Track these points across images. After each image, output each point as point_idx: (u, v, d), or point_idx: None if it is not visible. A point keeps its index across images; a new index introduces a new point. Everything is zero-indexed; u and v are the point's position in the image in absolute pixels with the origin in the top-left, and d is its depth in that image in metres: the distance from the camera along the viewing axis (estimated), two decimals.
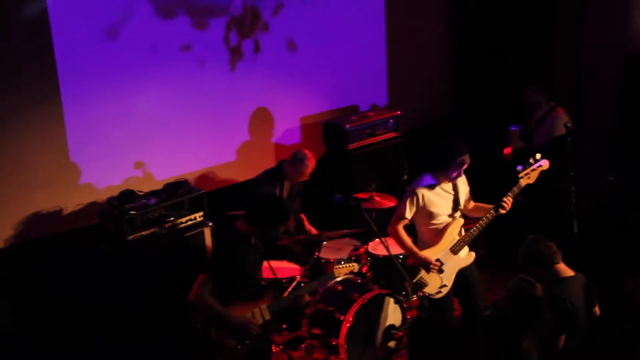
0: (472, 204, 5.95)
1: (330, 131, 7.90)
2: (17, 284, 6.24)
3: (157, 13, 6.89)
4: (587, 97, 8.37)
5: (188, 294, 5.14)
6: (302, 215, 7.13)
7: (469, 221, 5.96)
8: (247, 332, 5.15)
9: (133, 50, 6.79)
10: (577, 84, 8.44)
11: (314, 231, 7.00)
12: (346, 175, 7.70)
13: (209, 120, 7.36)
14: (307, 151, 6.86)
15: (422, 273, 5.75)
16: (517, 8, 8.59)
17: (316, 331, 6.14)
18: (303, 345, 6.24)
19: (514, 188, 5.83)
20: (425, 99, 8.88)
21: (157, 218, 6.35)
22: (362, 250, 6.74)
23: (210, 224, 6.60)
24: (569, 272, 5.13)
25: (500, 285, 6.55)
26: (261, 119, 7.72)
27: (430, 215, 5.75)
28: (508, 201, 5.75)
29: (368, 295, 6.03)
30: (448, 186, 5.76)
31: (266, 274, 5.91)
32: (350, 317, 5.91)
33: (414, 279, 5.73)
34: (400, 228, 5.74)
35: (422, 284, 5.73)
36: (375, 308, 6.07)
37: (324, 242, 6.78)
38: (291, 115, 7.96)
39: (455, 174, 5.67)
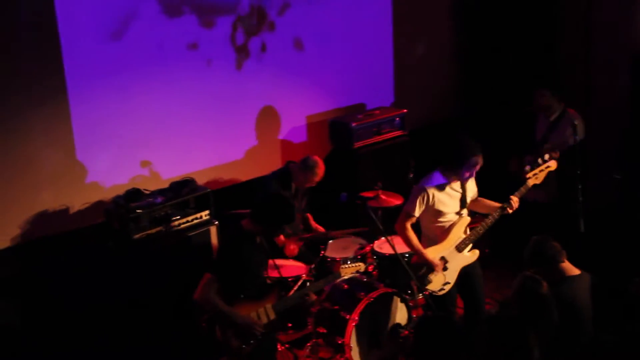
0: (478, 199, 5.94)
1: (337, 130, 7.89)
2: (24, 282, 6.26)
3: (163, 12, 6.90)
4: (595, 96, 8.33)
5: (193, 293, 5.14)
6: (308, 215, 7.13)
7: (474, 219, 5.95)
8: (252, 331, 5.15)
9: (140, 49, 6.80)
10: (585, 83, 8.40)
11: (320, 229, 7.00)
12: (352, 174, 7.69)
13: (215, 119, 7.36)
14: (317, 158, 6.83)
15: (426, 270, 5.75)
16: (523, 7, 8.56)
17: (322, 330, 6.14)
18: (309, 344, 6.23)
19: (521, 188, 5.83)
20: (432, 98, 8.87)
21: (163, 217, 6.37)
22: (368, 248, 6.73)
23: (216, 222, 6.61)
24: (575, 271, 5.12)
25: (505, 285, 6.55)
26: (267, 117, 7.72)
27: (438, 214, 5.74)
28: (515, 201, 5.74)
29: (374, 294, 6.02)
30: (457, 185, 5.75)
31: (272, 272, 5.92)
32: (356, 316, 5.90)
33: (417, 275, 5.73)
34: (408, 226, 5.74)
35: (425, 281, 5.73)
36: (381, 307, 6.06)
37: (330, 241, 6.78)
38: (297, 113, 7.96)
39: (467, 174, 5.65)
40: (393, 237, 5.95)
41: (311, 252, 6.77)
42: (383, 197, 6.83)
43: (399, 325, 6.09)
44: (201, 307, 5.17)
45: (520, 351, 4.50)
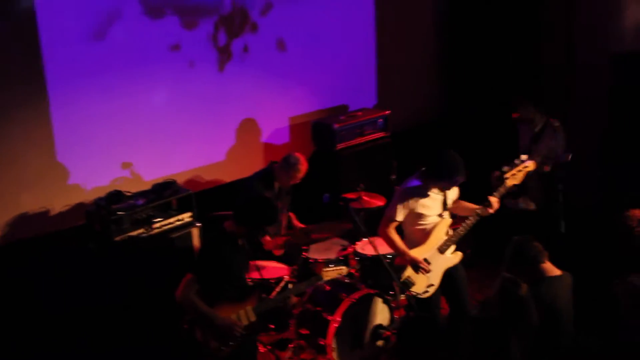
0: (459, 203, 5.96)
1: (319, 131, 7.89)
2: (4, 284, 6.22)
3: (145, 13, 6.88)
4: (575, 96, 8.37)
5: (175, 294, 5.13)
6: (291, 214, 7.13)
7: (456, 221, 5.97)
8: (231, 333, 5.15)
9: (121, 51, 6.78)
10: (565, 83, 8.44)
11: (301, 226, 6.97)
12: (335, 175, 7.70)
13: (198, 120, 7.35)
14: (298, 155, 6.82)
15: (410, 272, 5.76)
16: (507, 11, 8.59)
17: (304, 331, 6.14)
18: (291, 346, 6.23)
19: (500, 188, 5.86)
20: (415, 99, 8.89)
21: (144, 219, 6.36)
22: (350, 250, 6.73)
23: (199, 224, 6.59)
24: (556, 272, 5.14)
25: (488, 285, 6.57)
26: (250, 119, 7.71)
27: (420, 216, 5.75)
28: (494, 201, 5.77)
29: (356, 295, 6.03)
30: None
31: (255, 274, 5.91)
32: (338, 317, 5.91)
33: (401, 278, 5.74)
34: (391, 230, 5.75)
35: (409, 283, 5.74)
36: (363, 308, 6.07)
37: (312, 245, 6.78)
38: (280, 115, 7.96)
39: (446, 187, 5.70)
40: (375, 238, 5.95)
41: (293, 253, 6.76)
42: (365, 198, 6.83)
43: (381, 326, 6.10)
44: (181, 306, 5.16)
45: (501, 351, 4.53)
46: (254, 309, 5.29)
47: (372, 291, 6.14)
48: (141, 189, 6.63)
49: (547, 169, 6.61)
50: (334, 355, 5.93)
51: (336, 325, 5.89)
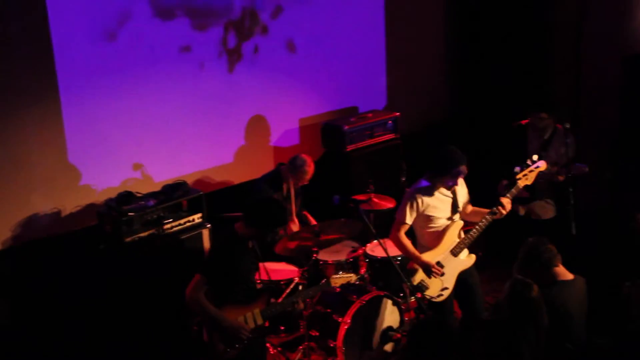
0: (470, 208, 5.96)
1: (329, 133, 7.89)
2: (16, 285, 6.25)
3: (156, 14, 6.89)
4: (586, 97, 8.35)
5: (185, 295, 5.14)
6: (305, 212, 7.12)
7: (467, 223, 5.95)
8: (238, 336, 5.14)
9: (132, 52, 6.80)
10: (576, 84, 8.43)
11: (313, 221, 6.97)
12: (345, 177, 7.69)
13: (208, 121, 7.36)
14: (305, 156, 6.84)
15: (424, 276, 5.75)
16: (516, 9, 8.58)
17: (314, 333, 6.14)
18: (301, 347, 6.23)
19: (512, 189, 5.85)
20: (424, 101, 8.88)
21: (155, 220, 6.36)
22: (360, 251, 6.73)
23: (209, 225, 6.60)
24: (568, 276, 5.12)
25: (499, 287, 6.55)
26: (260, 120, 7.72)
27: (430, 219, 5.75)
28: (506, 202, 5.75)
29: (366, 297, 6.03)
30: (446, 190, 5.77)
31: (265, 274, 5.92)
32: (348, 319, 5.91)
33: (412, 280, 5.73)
34: (402, 234, 5.76)
35: (423, 287, 5.73)
36: (373, 310, 6.07)
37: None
38: (290, 116, 7.96)
39: (451, 183, 5.69)
40: (385, 240, 5.95)
41: (304, 255, 6.76)
42: (375, 200, 6.83)
43: (391, 328, 6.10)
44: (189, 307, 5.16)
45: (512, 354, 4.52)
46: (261, 312, 5.29)
47: (382, 293, 6.14)
48: (152, 190, 6.64)
49: (561, 178, 6.58)
50: (344, 357, 5.92)
51: (346, 326, 5.89)
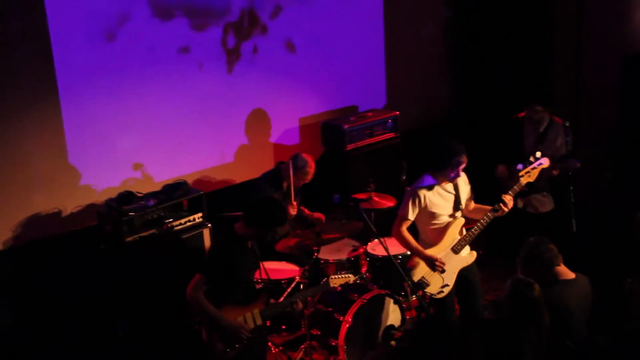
0: (472, 205, 5.96)
1: (329, 132, 7.89)
2: (16, 285, 6.25)
3: (155, 15, 6.89)
4: (585, 96, 8.36)
5: (186, 295, 5.14)
6: (302, 207, 7.12)
7: (469, 220, 5.96)
8: (238, 336, 5.15)
9: (131, 52, 6.79)
10: (575, 82, 8.43)
11: (317, 215, 6.96)
12: (345, 176, 7.69)
13: (208, 121, 7.36)
14: (306, 156, 6.83)
15: (425, 273, 5.75)
16: (515, 8, 8.58)
17: (315, 332, 6.14)
18: (302, 346, 6.23)
19: (515, 186, 5.85)
20: (424, 100, 8.88)
21: (155, 219, 6.36)
22: (361, 250, 6.73)
23: (209, 225, 6.60)
24: (570, 275, 5.12)
25: (500, 286, 6.55)
26: (260, 120, 7.72)
27: (432, 216, 5.75)
28: (508, 199, 5.75)
29: (367, 296, 6.04)
30: (449, 186, 5.77)
31: (264, 274, 5.92)
32: (349, 318, 5.92)
33: (413, 278, 5.73)
34: (404, 230, 5.76)
35: (424, 284, 5.73)
36: (375, 308, 6.07)
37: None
38: (290, 116, 7.96)
39: (453, 174, 5.69)
40: (386, 238, 5.95)
41: (304, 254, 6.77)
42: (376, 199, 6.84)
43: (392, 326, 6.11)
44: (190, 306, 5.16)
45: (514, 353, 4.52)
46: (260, 312, 5.29)
47: (383, 292, 6.14)
48: (152, 190, 6.64)
49: (555, 172, 6.59)
50: (346, 355, 5.93)
51: (348, 325, 5.89)
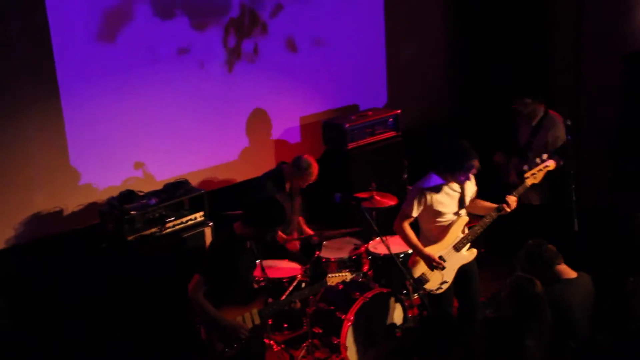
0: (476, 201, 5.95)
1: (330, 130, 7.89)
2: (18, 284, 6.24)
3: (156, 14, 6.89)
4: (586, 95, 8.36)
5: (187, 294, 5.14)
6: (300, 218, 7.12)
7: (472, 219, 5.96)
8: (237, 335, 5.15)
9: (132, 52, 6.80)
10: (576, 81, 8.44)
11: (309, 232, 6.97)
12: (346, 175, 7.70)
13: (209, 120, 7.36)
14: (308, 157, 6.82)
15: (425, 269, 5.75)
16: (516, 8, 8.58)
17: (317, 330, 6.15)
18: (304, 345, 6.23)
19: (519, 187, 5.85)
20: (425, 98, 8.88)
21: (157, 218, 6.36)
22: (362, 249, 6.74)
23: (211, 223, 6.60)
24: (571, 274, 5.12)
25: (500, 285, 6.55)
26: (261, 118, 7.72)
27: (437, 214, 5.76)
28: (512, 200, 5.75)
29: (369, 294, 6.04)
30: (455, 185, 5.77)
31: (269, 273, 5.92)
32: (351, 316, 5.92)
33: (415, 275, 5.74)
34: (406, 225, 5.76)
35: (423, 280, 5.74)
36: (377, 307, 6.07)
37: (324, 242, 6.78)
38: (291, 115, 7.96)
39: (463, 178, 5.69)
40: (388, 237, 5.95)
41: (306, 253, 6.77)
42: (377, 198, 6.84)
43: (394, 325, 6.11)
44: (190, 305, 5.17)
45: (517, 352, 4.52)
46: (259, 312, 5.29)
47: (385, 290, 6.14)
48: (153, 189, 6.63)
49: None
50: (348, 354, 5.93)
51: (350, 324, 5.89)
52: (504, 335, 4.64)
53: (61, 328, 6.28)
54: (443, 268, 5.75)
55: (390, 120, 8.05)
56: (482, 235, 5.95)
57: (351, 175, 7.68)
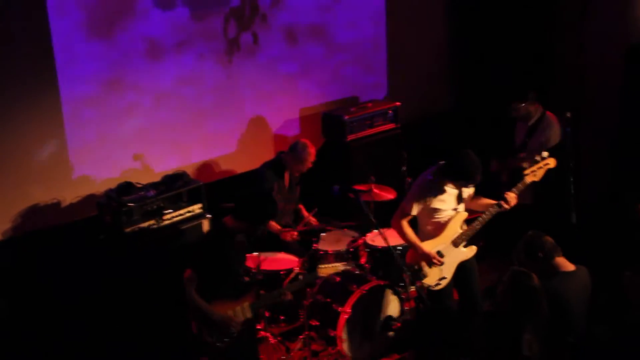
0: (475, 198, 5.94)
1: (329, 122, 7.88)
2: (15, 276, 6.25)
3: (156, 5, 6.88)
4: (587, 88, 8.32)
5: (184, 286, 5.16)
6: (300, 205, 7.13)
7: (471, 215, 5.94)
8: (228, 329, 5.16)
9: (131, 43, 6.79)
10: (578, 74, 8.39)
11: (313, 220, 6.98)
12: (345, 167, 7.69)
13: (208, 112, 7.35)
14: (304, 140, 6.87)
15: (423, 264, 5.75)
16: (519, 4, 8.53)
17: (314, 322, 6.15)
18: (301, 337, 6.24)
19: (519, 184, 5.81)
20: (425, 91, 8.86)
21: (155, 210, 6.35)
22: (360, 241, 6.73)
23: (209, 215, 6.60)
24: (569, 267, 5.12)
25: (497, 277, 6.55)
26: (260, 110, 7.71)
27: (435, 211, 5.75)
28: (512, 197, 5.73)
29: (366, 287, 6.03)
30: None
31: (265, 264, 5.92)
32: (348, 309, 5.92)
33: (412, 269, 5.73)
34: (405, 223, 5.76)
35: (422, 275, 5.73)
36: (374, 299, 6.07)
37: (322, 234, 6.78)
38: (290, 106, 7.95)
39: (461, 185, 5.69)
40: (385, 229, 5.95)
41: (303, 245, 6.77)
42: (376, 191, 6.82)
43: (391, 317, 6.11)
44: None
45: (516, 345, 4.52)
46: (251, 305, 5.30)
47: (382, 283, 6.14)
48: (152, 181, 6.63)
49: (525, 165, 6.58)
50: (344, 346, 5.93)
51: (346, 316, 5.90)
52: (502, 328, 4.64)
53: (58, 320, 6.29)
54: (442, 264, 5.74)
55: (390, 112, 8.03)
56: (481, 230, 5.93)
57: (350, 167, 7.67)
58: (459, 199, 5.79)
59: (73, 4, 6.41)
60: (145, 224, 6.27)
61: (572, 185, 6.32)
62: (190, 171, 6.91)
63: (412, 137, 8.05)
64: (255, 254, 6.04)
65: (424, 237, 5.81)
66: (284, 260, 6.48)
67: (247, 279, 5.74)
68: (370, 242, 6.72)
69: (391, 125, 8.04)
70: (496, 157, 7.07)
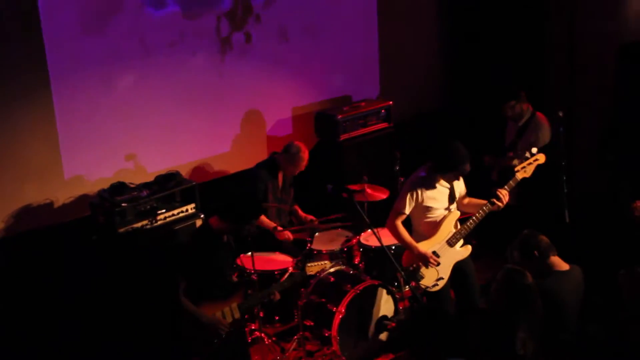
0: (467, 199, 5.95)
1: (322, 122, 7.88)
2: (8, 277, 6.22)
3: (148, 4, 6.86)
4: (580, 87, 8.34)
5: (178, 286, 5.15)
6: (296, 206, 7.13)
7: (464, 214, 5.94)
8: (217, 331, 5.15)
9: (123, 42, 6.76)
10: (570, 72, 8.42)
11: (310, 217, 6.97)
12: (338, 166, 7.69)
13: (201, 111, 7.33)
14: (298, 143, 6.86)
15: (420, 266, 5.74)
16: (510, 3, 8.55)
17: (309, 323, 6.14)
18: (295, 337, 6.23)
19: (510, 181, 5.82)
20: (418, 90, 8.86)
21: (148, 210, 6.35)
22: (354, 241, 6.73)
23: (202, 215, 6.59)
24: (563, 266, 5.13)
25: (490, 275, 6.56)
26: (253, 110, 7.69)
27: (428, 210, 5.75)
28: (504, 193, 5.73)
29: (360, 287, 6.03)
30: (444, 181, 5.76)
31: (260, 265, 5.91)
32: (342, 309, 5.91)
33: (409, 271, 5.73)
34: (399, 223, 5.75)
35: (419, 277, 5.73)
36: (368, 299, 6.07)
37: (316, 234, 6.77)
38: (283, 106, 7.94)
39: (453, 179, 5.69)
40: (379, 229, 5.94)
41: (297, 244, 6.76)
42: (369, 190, 6.81)
43: (385, 317, 6.11)
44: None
45: (510, 343, 4.53)
46: (239, 306, 5.29)
47: (376, 282, 6.14)
48: (145, 181, 6.62)
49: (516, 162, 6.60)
50: (339, 346, 5.93)
51: (341, 316, 5.89)
52: (496, 327, 4.65)
53: (51, 320, 6.27)
54: (438, 264, 5.74)
55: (383, 111, 8.04)
56: (474, 228, 5.93)
57: (343, 166, 7.67)
58: (451, 198, 5.79)
59: (64, 2, 6.38)
60: (139, 224, 6.27)
61: (565, 184, 6.33)
62: (183, 171, 6.90)
63: (404, 137, 8.05)
64: (248, 254, 6.02)
65: (418, 238, 5.81)
66: (278, 260, 6.47)
67: (235, 279, 5.73)
68: (364, 242, 6.72)
69: (384, 125, 8.05)
70: (488, 154, 7.08)
